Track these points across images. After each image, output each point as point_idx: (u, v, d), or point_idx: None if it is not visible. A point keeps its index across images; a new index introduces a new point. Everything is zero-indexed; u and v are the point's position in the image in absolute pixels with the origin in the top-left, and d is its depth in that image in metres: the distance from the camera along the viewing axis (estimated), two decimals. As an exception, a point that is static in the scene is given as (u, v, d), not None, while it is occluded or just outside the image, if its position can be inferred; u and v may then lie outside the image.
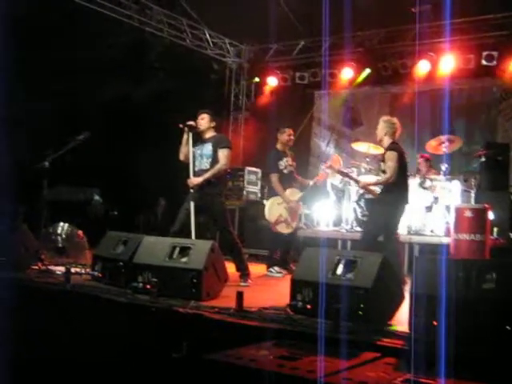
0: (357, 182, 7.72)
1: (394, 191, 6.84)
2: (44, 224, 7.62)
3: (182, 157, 7.07)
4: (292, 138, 8.38)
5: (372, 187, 7.63)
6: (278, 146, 8.32)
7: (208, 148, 6.92)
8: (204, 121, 7.01)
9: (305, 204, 9.37)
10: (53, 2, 10.26)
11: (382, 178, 7.06)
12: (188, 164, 6.93)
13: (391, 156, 6.80)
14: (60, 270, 6.58)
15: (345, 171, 8.06)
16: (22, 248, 6.97)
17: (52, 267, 6.90)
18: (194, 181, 6.80)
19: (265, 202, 8.50)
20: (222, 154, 6.86)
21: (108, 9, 11.02)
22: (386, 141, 6.98)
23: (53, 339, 5.06)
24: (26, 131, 10.40)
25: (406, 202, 7.01)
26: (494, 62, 10.99)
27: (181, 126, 6.97)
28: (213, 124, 7.06)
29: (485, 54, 10.99)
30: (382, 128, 7.01)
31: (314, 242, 9.07)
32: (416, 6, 10.11)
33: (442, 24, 10.85)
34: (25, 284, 6.00)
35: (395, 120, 7.06)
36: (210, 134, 7.04)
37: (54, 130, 10.56)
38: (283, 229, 8.11)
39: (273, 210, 8.10)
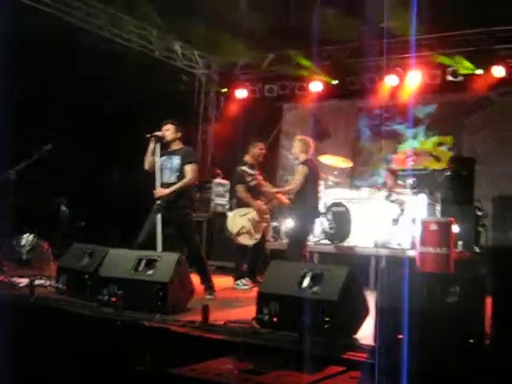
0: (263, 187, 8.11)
1: (303, 205, 7.64)
2: (8, 235, 7.50)
3: (147, 166, 6.99)
4: (263, 151, 8.44)
5: (280, 196, 8.19)
6: (247, 158, 8.31)
7: (175, 162, 6.88)
8: (169, 132, 6.97)
9: (272, 217, 9.38)
10: (20, 12, 10.13)
11: (285, 187, 8.10)
12: (153, 174, 6.88)
13: (301, 170, 7.60)
14: (24, 282, 6.48)
15: (255, 177, 8.02)
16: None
17: (15, 279, 6.79)
18: (161, 192, 6.74)
19: (228, 213, 8.49)
20: (190, 168, 6.85)
21: (78, 19, 10.94)
22: (302, 157, 7.75)
23: (16, 352, 4.97)
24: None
25: (316, 216, 8.05)
26: (460, 78, 11.16)
27: (148, 136, 6.94)
28: (178, 135, 7.02)
29: (450, 69, 11.16)
30: (297, 146, 7.81)
31: (281, 254, 9.06)
32: (384, 21, 10.23)
33: (409, 39, 11.01)
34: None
35: (308, 139, 7.90)
36: (176, 146, 6.99)
37: (20, 139, 10.43)
38: (246, 240, 8.08)
39: (235, 221, 8.09)
